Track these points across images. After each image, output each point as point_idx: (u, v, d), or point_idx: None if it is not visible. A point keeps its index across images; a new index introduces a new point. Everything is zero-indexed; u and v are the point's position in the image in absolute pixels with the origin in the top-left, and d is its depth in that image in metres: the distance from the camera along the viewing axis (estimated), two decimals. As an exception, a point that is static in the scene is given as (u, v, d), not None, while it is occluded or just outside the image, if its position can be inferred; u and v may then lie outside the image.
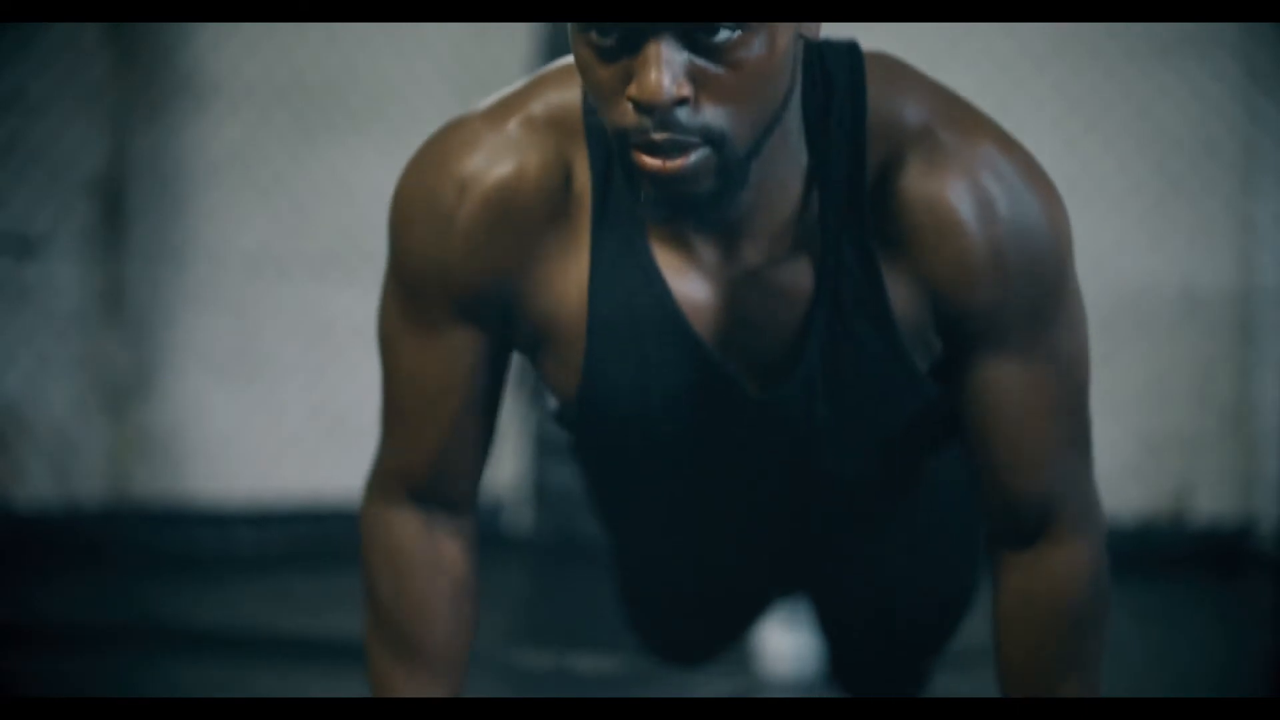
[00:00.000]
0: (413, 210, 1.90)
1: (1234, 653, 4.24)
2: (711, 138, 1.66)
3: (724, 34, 1.63)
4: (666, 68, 1.62)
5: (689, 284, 1.87)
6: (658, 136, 1.65)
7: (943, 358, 1.92)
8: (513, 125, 1.87)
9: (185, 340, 5.37)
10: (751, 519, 2.19)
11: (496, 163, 1.86)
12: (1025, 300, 1.85)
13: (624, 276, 1.87)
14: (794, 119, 1.80)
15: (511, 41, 5.35)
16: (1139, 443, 5.23)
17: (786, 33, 1.68)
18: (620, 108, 1.66)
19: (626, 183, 1.71)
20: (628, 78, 1.65)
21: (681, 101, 1.64)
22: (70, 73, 5.25)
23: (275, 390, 5.40)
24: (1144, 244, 5.24)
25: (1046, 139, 5.22)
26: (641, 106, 1.63)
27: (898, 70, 1.89)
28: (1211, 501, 5.28)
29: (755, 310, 1.87)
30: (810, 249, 1.85)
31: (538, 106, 1.88)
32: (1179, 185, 5.23)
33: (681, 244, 1.86)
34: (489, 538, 5.17)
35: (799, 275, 1.86)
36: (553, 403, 2.06)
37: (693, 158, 1.66)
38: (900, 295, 1.86)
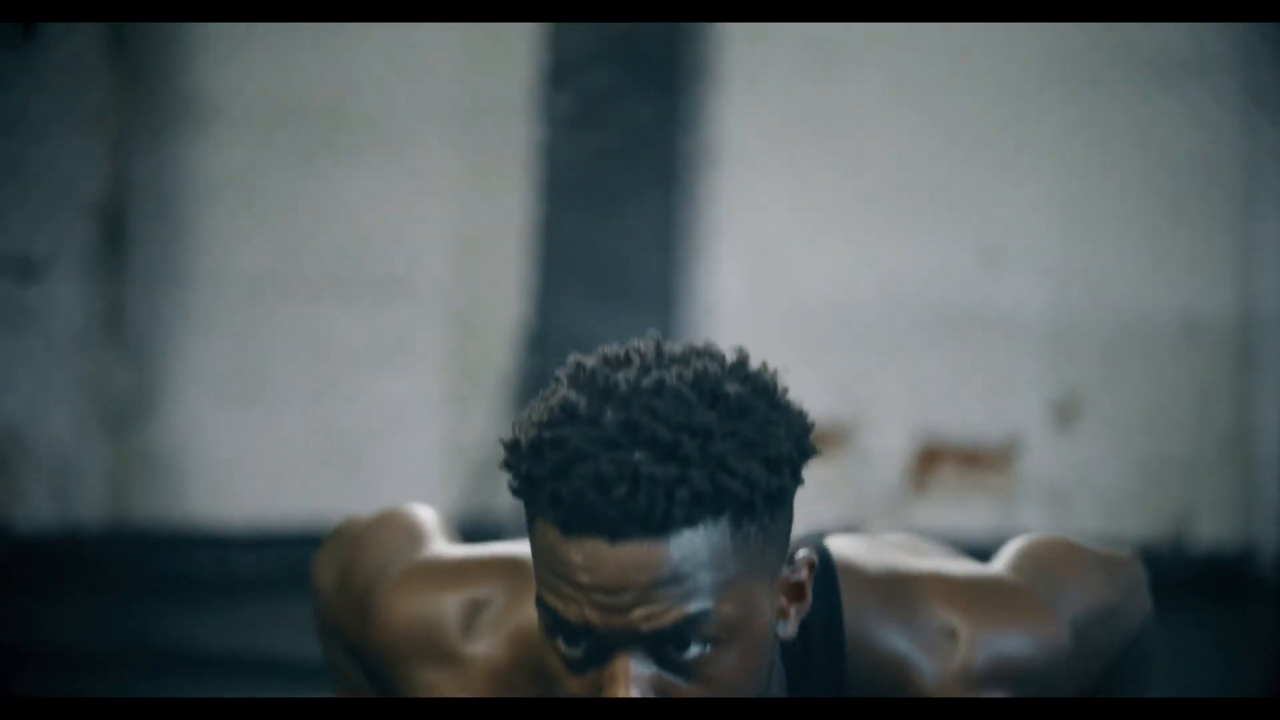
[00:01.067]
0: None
1: (1235, 678, 4.23)
2: None
3: (694, 650, 1.58)
4: (634, 683, 1.58)
5: None
6: None
7: None
8: (481, 657, 1.82)
9: (186, 362, 5.38)
10: None
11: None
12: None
13: None
14: (775, 694, 1.75)
15: (512, 66, 5.35)
16: (1139, 468, 5.23)
17: (761, 639, 1.63)
18: None
19: None
20: (597, 689, 1.60)
21: None
22: (72, 95, 5.26)
23: (275, 413, 5.41)
24: (1144, 269, 5.24)
25: (1047, 163, 5.23)
26: None
27: (868, 590, 1.81)
28: (1212, 527, 5.28)
29: None
30: None
31: (508, 644, 1.82)
32: (1179, 210, 5.23)
33: None
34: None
35: None
36: None
37: None
38: None
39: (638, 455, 1.54)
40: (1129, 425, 5.20)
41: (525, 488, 1.59)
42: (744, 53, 5.25)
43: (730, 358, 1.64)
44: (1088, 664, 1.86)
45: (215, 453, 5.38)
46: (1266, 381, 5.21)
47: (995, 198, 5.25)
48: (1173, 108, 5.23)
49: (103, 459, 5.35)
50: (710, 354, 1.63)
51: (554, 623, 1.60)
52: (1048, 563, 1.89)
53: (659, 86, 5.15)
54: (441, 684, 1.82)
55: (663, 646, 1.58)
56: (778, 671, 1.74)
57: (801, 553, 1.67)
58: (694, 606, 1.56)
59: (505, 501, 5.45)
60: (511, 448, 1.60)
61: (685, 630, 1.56)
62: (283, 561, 5.34)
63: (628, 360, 1.62)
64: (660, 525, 1.54)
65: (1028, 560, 1.89)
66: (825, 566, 1.80)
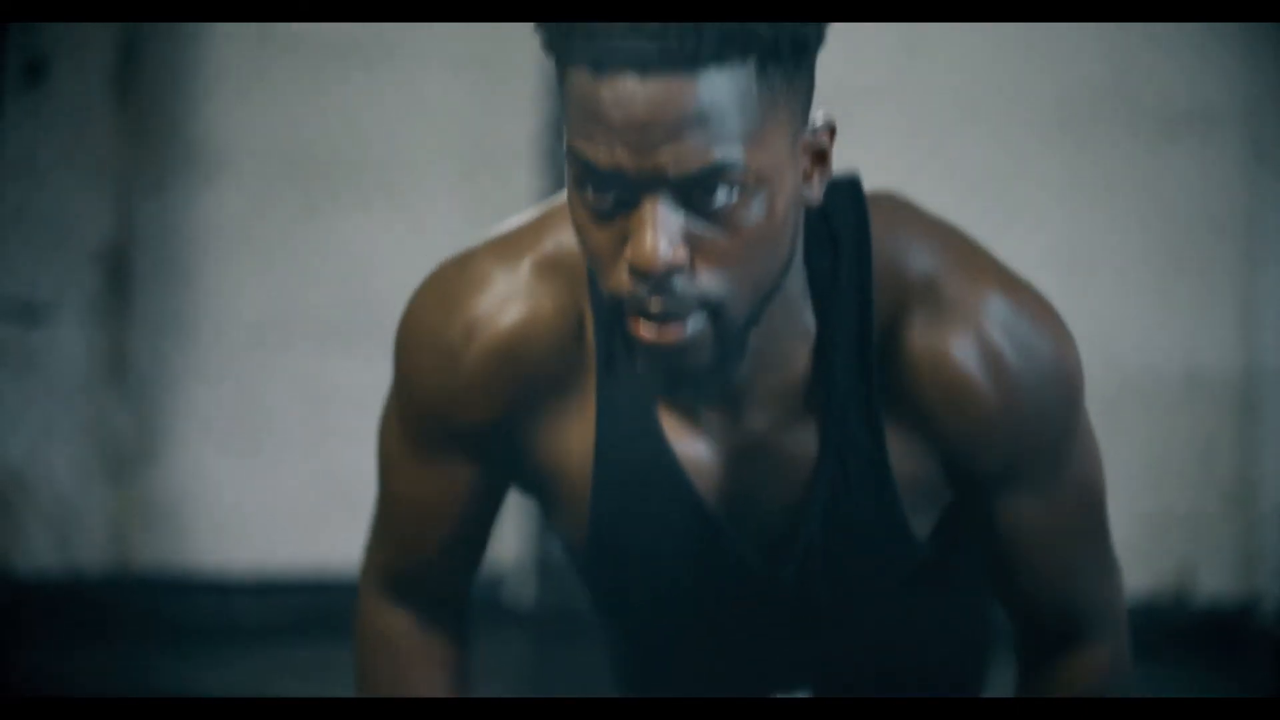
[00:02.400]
0: (419, 343, 1.88)
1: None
2: (709, 306, 1.63)
3: (722, 197, 1.60)
4: (663, 231, 1.60)
5: (694, 448, 1.85)
6: (653, 305, 1.62)
7: (955, 501, 1.91)
8: (525, 267, 1.84)
9: (189, 409, 5.38)
10: (755, 641, 2.19)
11: (507, 307, 1.83)
12: (1039, 445, 1.84)
13: (630, 436, 1.84)
14: (797, 283, 1.78)
15: (517, 115, 5.36)
16: (1141, 521, 5.23)
17: (787, 196, 1.65)
18: (616, 274, 1.64)
19: (624, 350, 1.69)
20: (623, 240, 1.63)
21: (678, 268, 1.61)
22: (77, 141, 5.27)
23: (278, 460, 5.40)
24: (1147, 321, 5.24)
25: (1050, 215, 5.24)
26: (637, 272, 1.61)
27: (901, 215, 1.86)
28: (1213, 580, 5.28)
29: (759, 477, 1.86)
30: (816, 416, 1.83)
31: (550, 246, 1.85)
32: (1182, 262, 5.24)
33: (687, 407, 1.84)
34: (490, 611, 5.18)
35: (804, 443, 1.84)
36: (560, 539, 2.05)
37: (689, 329, 1.64)
38: (909, 454, 1.84)
39: None
40: (1131, 478, 5.20)
41: (558, 35, 1.61)
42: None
43: None
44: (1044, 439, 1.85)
45: (217, 499, 5.38)
46: (1269, 435, 5.21)
47: (998, 249, 5.25)
48: (1176, 161, 5.24)
49: (104, 504, 5.35)
50: None
51: (584, 170, 1.62)
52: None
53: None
54: (486, 299, 1.84)
55: (691, 193, 1.60)
56: (800, 295, 1.78)
57: (822, 118, 1.70)
58: (721, 151, 1.59)
59: (507, 546, 5.45)
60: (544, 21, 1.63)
61: (712, 175, 1.59)
62: (285, 608, 5.34)
63: None
64: (690, 60, 1.56)
65: None
66: (854, 187, 1.84)
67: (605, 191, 1.62)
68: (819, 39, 1.65)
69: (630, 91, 1.58)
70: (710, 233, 1.62)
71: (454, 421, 1.89)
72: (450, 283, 1.87)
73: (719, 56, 1.57)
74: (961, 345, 1.79)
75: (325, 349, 5.39)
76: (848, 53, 5.33)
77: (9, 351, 5.24)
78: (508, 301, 1.84)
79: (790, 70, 1.62)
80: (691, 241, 1.62)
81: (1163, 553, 5.27)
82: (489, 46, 5.32)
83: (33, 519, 5.27)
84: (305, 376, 5.40)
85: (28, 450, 5.27)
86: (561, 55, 1.62)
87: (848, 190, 1.84)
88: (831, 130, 1.70)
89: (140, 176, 5.34)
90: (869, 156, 5.29)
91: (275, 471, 5.41)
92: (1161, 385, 5.25)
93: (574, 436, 1.87)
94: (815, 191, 1.70)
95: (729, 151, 1.59)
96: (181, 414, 5.38)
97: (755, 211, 1.62)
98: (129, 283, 5.34)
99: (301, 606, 5.33)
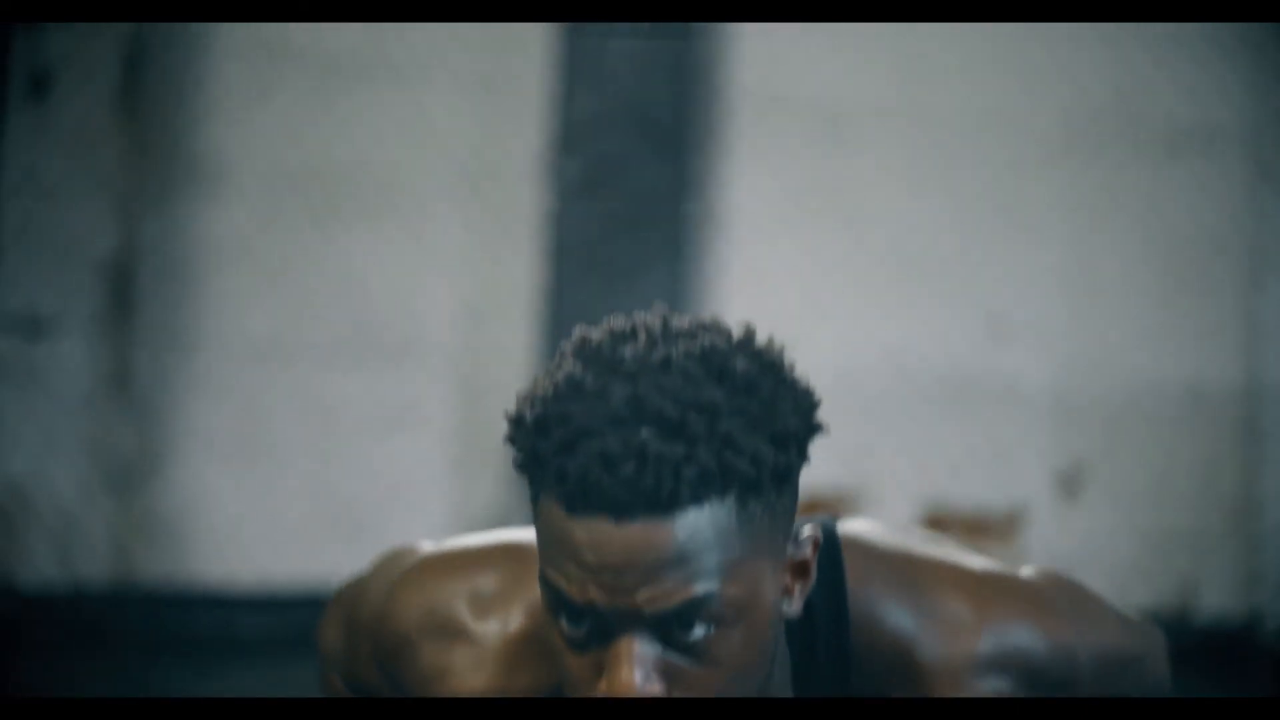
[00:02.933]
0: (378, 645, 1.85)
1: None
2: None
3: (699, 631, 1.55)
4: (639, 666, 1.55)
5: None
6: None
7: None
8: (493, 633, 1.79)
9: (191, 424, 5.38)
10: None
11: (476, 674, 1.78)
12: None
13: None
14: (775, 673, 1.71)
15: (521, 132, 5.37)
16: (1144, 539, 5.23)
17: (766, 619, 1.60)
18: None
19: None
20: (599, 669, 1.57)
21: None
22: (82, 155, 5.27)
23: (280, 476, 5.41)
24: (1150, 341, 5.25)
25: (1054, 233, 5.24)
26: None
27: (875, 568, 1.78)
28: (1216, 598, 5.28)
29: None
30: None
31: (519, 619, 1.79)
32: (1185, 282, 5.25)
33: None
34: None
35: None
36: None
37: None
38: None
39: (644, 433, 1.52)
40: (1134, 496, 5.20)
41: (530, 464, 1.57)
42: (753, 122, 5.27)
43: (737, 332, 1.61)
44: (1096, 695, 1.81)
45: (220, 514, 5.38)
46: (1271, 453, 5.22)
47: (1001, 269, 5.27)
48: (1178, 181, 5.25)
49: (107, 519, 5.35)
50: (717, 328, 1.61)
51: (557, 601, 1.58)
52: (1071, 588, 1.85)
53: (668, 154, 5.18)
54: (455, 662, 1.79)
55: (667, 627, 1.55)
56: (782, 650, 1.71)
57: (806, 530, 1.65)
58: (699, 588, 1.54)
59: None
60: (516, 423, 1.58)
61: (690, 611, 1.54)
62: (287, 624, 5.34)
63: (634, 334, 1.59)
64: (666, 504, 1.52)
65: (1051, 577, 1.85)
66: (830, 543, 1.77)
67: (579, 624, 1.57)
68: (802, 459, 1.60)
69: (605, 535, 1.53)
70: (687, 664, 1.57)
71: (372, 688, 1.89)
72: (412, 611, 1.83)
73: (697, 498, 1.53)
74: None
75: (327, 365, 5.39)
76: (851, 73, 5.35)
77: (12, 365, 5.24)
78: (477, 670, 1.79)
79: (772, 499, 1.58)
80: (668, 673, 1.57)
81: (1165, 570, 5.27)
82: (492, 64, 5.33)
83: (35, 532, 5.27)
84: (307, 392, 5.40)
85: (30, 464, 5.27)
86: (533, 482, 1.58)
87: (824, 556, 1.77)
88: (815, 543, 1.65)
89: (144, 191, 5.34)
90: (869, 179, 5.32)
91: (277, 486, 5.41)
92: (1164, 403, 5.25)
93: None
94: (796, 605, 1.65)
95: (707, 586, 1.54)
96: (184, 429, 5.38)
97: (734, 642, 1.58)
98: (132, 297, 5.34)
99: (303, 621, 5.32)
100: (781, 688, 1.73)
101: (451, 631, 1.80)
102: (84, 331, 5.30)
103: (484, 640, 1.79)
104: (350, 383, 5.35)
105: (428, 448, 5.38)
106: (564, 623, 1.58)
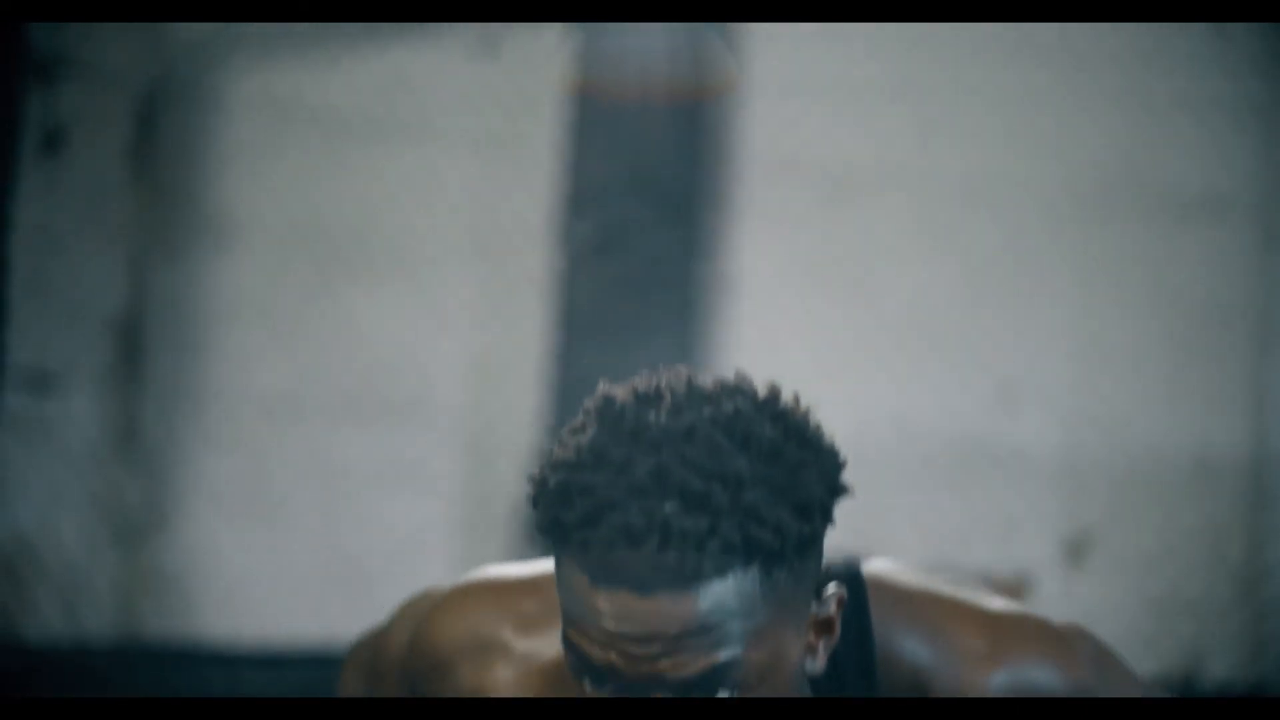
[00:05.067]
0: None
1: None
2: None
3: (723, 694, 1.56)
4: None
5: None
6: None
7: None
8: (540, 652, 1.79)
9: (198, 480, 5.38)
10: None
11: (520, 694, 1.78)
12: None
13: None
14: None
15: (531, 193, 5.38)
16: (1151, 607, 5.22)
17: (789, 678, 1.61)
18: None
19: None
20: None
21: None
22: (93, 210, 5.28)
23: (287, 533, 5.40)
24: (1157, 408, 5.24)
25: (1060, 300, 5.25)
26: None
27: (900, 609, 1.78)
28: (1223, 667, 5.26)
29: None
30: None
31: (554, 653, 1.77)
32: (1192, 349, 5.24)
33: None
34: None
35: None
36: None
37: None
38: None
39: (668, 506, 1.51)
40: (1140, 564, 5.19)
41: (552, 531, 1.57)
42: (762, 185, 5.28)
43: (762, 393, 1.62)
44: None
45: (226, 571, 5.38)
46: (1279, 521, 5.20)
47: (1009, 335, 5.27)
48: (1187, 247, 5.25)
49: (113, 574, 5.35)
50: (741, 390, 1.62)
51: (579, 664, 1.58)
52: (1095, 640, 1.86)
53: (678, 217, 5.18)
54: (498, 680, 1.79)
55: (690, 692, 1.55)
56: None
57: (831, 589, 1.65)
58: (723, 655, 1.54)
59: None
60: (539, 488, 1.58)
61: (713, 679, 1.55)
62: (292, 682, 5.33)
63: (658, 397, 1.59)
64: (690, 578, 1.52)
65: (1076, 627, 1.85)
66: (855, 587, 1.77)
67: (601, 686, 1.58)
68: (827, 523, 1.60)
69: (628, 606, 1.54)
70: None
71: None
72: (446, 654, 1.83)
73: (720, 570, 1.53)
74: None
75: (336, 422, 5.40)
76: (860, 137, 5.36)
77: (20, 419, 5.24)
78: (522, 693, 1.78)
79: (795, 564, 1.58)
80: None
81: (1171, 638, 5.26)
82: (504, 123, 5.34)
83: (41, 587, 5.27)
84: (316, 449, 5.40)
85: (37, 518, 5.27)
86: (556, 548, 1.59)
87: (850, 602, 1.76)
88: (840, 600, 1.65)
89: (155, 247, 5.35)
90: (878, 243, 5.32)
91: (285, 543, 5.41)
92: (1171, 471, 5.24)
93: None
94: (820, 662, 1.66)
95: (730, 653, 1.55)
96: (191, 484, 5.38)
97: None
98: (141, 352, 5.35)
99: (309, 679, 5.32)
100: None
101: (495, 651, 1.80)
102: (93, 386, 5.31)
103: (530, 659, 1.79)
104: (358, 440, 5.35)
105: (435, 507, 5.37)
106: (587, 683, 1.58)
